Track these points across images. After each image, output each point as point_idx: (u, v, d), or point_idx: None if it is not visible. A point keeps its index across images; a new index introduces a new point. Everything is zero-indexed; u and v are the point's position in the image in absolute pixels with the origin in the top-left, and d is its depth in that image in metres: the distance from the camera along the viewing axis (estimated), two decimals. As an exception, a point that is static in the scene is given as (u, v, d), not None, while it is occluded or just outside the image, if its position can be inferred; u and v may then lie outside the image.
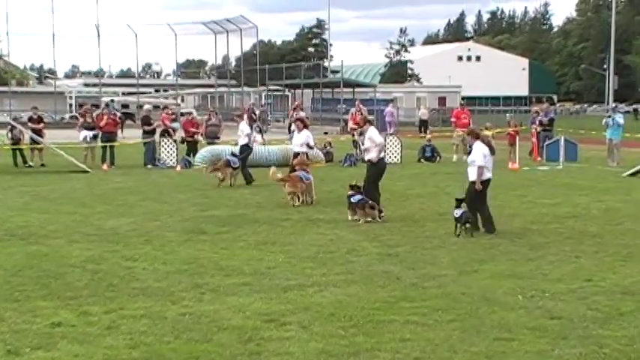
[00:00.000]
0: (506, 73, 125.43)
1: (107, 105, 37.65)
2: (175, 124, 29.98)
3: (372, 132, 16.61)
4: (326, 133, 38.65)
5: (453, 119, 33.81)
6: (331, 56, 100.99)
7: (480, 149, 14.07)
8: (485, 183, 14.09)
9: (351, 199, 15.39)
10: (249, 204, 18.02)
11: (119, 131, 31.74)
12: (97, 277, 10.49)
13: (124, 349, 7.51)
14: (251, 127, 38.39)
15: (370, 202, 15.30)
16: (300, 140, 18.68)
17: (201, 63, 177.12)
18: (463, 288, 9.86)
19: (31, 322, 8.39)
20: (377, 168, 16.15)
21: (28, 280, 10.36)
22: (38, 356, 7.34)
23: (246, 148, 22.51)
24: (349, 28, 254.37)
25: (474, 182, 13.99)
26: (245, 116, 46.61)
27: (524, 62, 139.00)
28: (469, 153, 15.04)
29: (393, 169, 24.82)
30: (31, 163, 28.46)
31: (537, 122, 31.38)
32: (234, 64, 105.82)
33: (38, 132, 29.09)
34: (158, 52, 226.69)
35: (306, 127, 19.19)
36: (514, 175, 24.85)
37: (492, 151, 14.26)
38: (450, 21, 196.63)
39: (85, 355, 7.34)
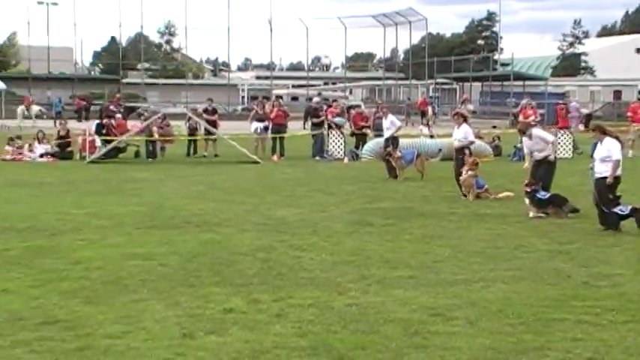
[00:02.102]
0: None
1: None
2: (339, 120, 30.17)
3: (539, 132, 16.32)
4: (494, 127, 38.02)
5: (629, 114, 32.48)
6: (501, 49, 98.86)
7: (615, 145, 13.47)
8: (617, 180, 13.47)
9: (539, 196, 15.09)
10: (416, 197, 17.97)
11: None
12: (267, 266, 10.75)
13: (292, 337, 7.65)
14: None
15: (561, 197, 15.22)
16: (459, 135, 18.31)
17: (369, 56, 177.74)
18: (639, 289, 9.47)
19: (204, 307, 8.68)
20: (554, 166, 15.97)
21: (202, 266, 10.74)
22: (211, 340, 7.58)
23: (394, 141, 22.97)
24: (520, 20, 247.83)
25: (604, 178, 13.40)
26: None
27: None
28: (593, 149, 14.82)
29: (563, 165, 24.08)
30: (205, 154, 29.49)
31: None
32: (402, 57, 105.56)
33: (213, 123, 30.14)
34: (327, 45, 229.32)
35: (465, 121, 18.78)
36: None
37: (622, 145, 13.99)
38: (627, 12, 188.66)
39: (255, 341, 7.53)
